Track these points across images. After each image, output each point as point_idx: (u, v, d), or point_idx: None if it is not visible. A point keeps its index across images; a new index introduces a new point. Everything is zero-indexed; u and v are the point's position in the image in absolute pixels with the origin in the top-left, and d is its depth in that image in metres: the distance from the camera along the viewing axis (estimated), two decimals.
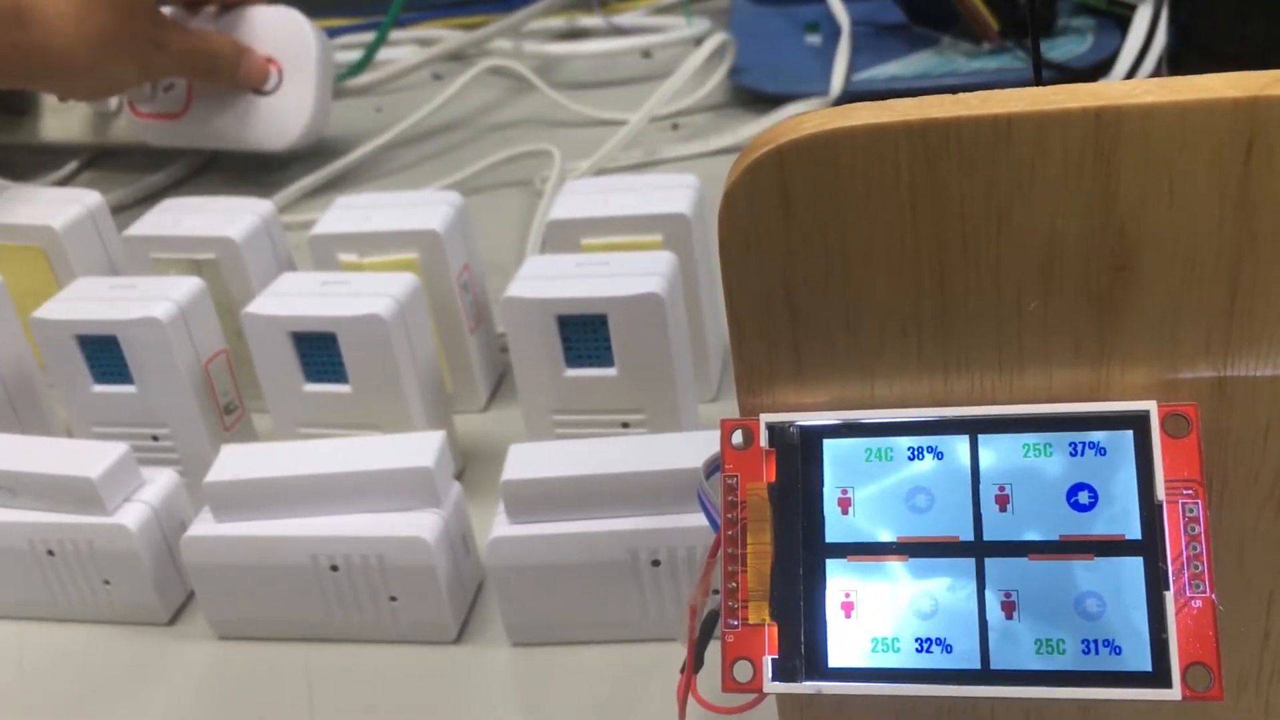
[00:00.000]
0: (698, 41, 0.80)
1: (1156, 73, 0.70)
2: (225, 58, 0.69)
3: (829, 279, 0.25)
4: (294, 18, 0.71)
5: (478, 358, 0.52)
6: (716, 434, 0.27)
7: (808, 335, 0.26)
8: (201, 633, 0.43)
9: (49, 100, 0.79)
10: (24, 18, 0.61)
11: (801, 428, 0.27)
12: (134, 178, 0.76)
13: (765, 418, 0.27)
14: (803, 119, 0.24)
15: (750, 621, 0.26)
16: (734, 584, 0.26)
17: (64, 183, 0.77)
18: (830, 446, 0.26)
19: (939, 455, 0.26)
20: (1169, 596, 0.24)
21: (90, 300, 0.47)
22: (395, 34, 0.87)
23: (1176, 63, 0.66)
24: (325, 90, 0.72)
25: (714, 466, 0.28)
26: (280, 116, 0.71)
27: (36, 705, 0.41)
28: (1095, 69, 0.71)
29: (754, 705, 0.28)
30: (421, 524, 0.40)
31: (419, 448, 0.41)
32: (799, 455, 0.26)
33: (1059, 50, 0.73)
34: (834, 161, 0.24)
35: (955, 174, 0.24)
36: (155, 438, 0.47)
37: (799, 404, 0.27)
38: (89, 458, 0.42)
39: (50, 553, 0.42)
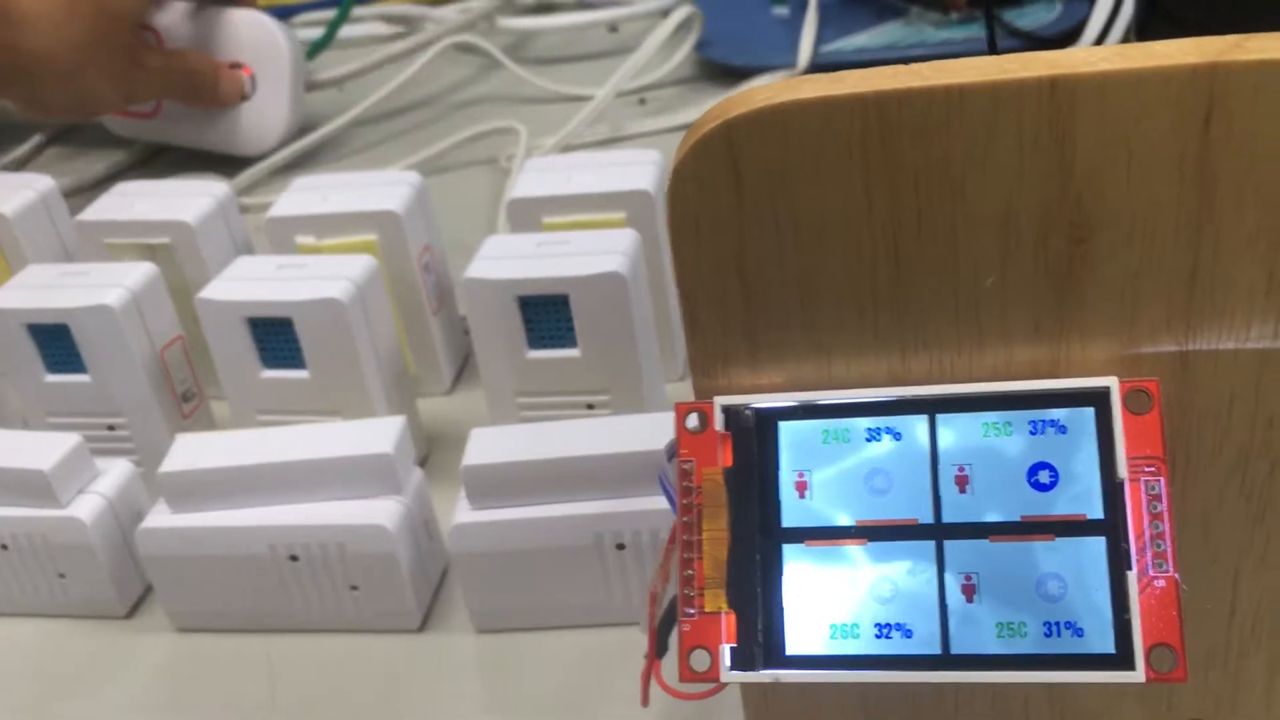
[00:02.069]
0: (664, 14, 0.79)
1: (1125, 41, 0.69)
2: (204, 75, 0.68)
3: (782, 256, 0.25)
4: (263, 22, 0.70)
5: (441, 340, 0.51)
6: None
7: (762, 315, 0.25)
8: (160, 625, 0.42)
9: None
10: (4, 18, 0.60)
11: (757, 410, 0.26)
12: (94, 160, 0.75)
13: (720, 400, 0.26)
14: (753, 92, 0.24)
15: (707, 609, 0.25)
16: (690, 571, 0.25)
17: (21, 164, 0.76)
18: (786, 429, 0.26)
19: (897, 436, 0.25)
20: (1131, 577, 0.23)
21: (41, 288, 0.46)
22: (358, 10, 0.85)
23: (1145, 31, 0.65)
24: (299, 92, 0.71)
25: (675, 449, 0.28)
26: (257, 123, 0.70)
27: None
28: (1064, 37, 0.71)
29: (717, 691, 0.28)
30: (382, 511, 0.39)
31: (379, 433, 0.40)
32: (755, 438, 0.26)
33: (1027, 19, 0.73)
34: (784, 136, 0.23)
35: (908, 146, 0.23)
36: (111, 427, 0.46)
37: (755, 385, 0.26)
38: (41, 449, 0.41)
39: (4, 546, 0.41)
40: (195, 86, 0.68)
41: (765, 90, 0.24)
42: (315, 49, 0.81)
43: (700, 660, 0.25)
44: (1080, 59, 0.22)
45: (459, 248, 0.56)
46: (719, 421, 0.26)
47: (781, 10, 0.80)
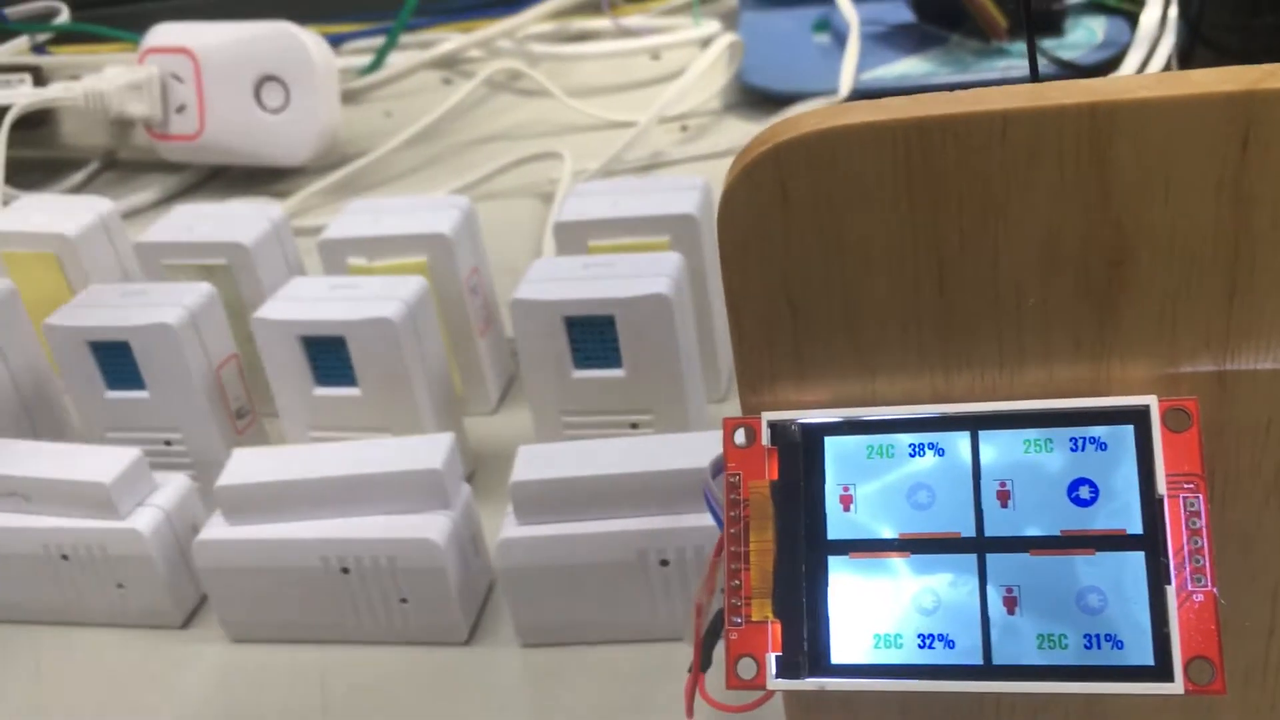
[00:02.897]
0: (706, 43, 0.80)
1: (1166, 70, 0.69)
2: None
3: (828, 278, 0.25)
4: (289, 32, 0.71)
5: (488, 360, 0.52)
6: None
7: (808, 334, 0.26)
8: (215, 635, 0.43)
9: (66, 110, 0.79)
10: None
11: (803, 425, 0.27)
12: (148, 183, 0.76)
13: (767, 416, 0.27)
14: (800, 118, 0.25)
15: (753, 619, 0.26)
16: (737, 582, 0.26)
17: (78, 188, 0.78)
18: (832, 444, 0.27)
19: (940, 452, 0.26)
20: (1170, 591, 0.24)
21: (102, 307, 0.47)
22: (405, 38, 0.87)
23: (1186, 59, 0.65)
24: (332, 99, 0.72)
25: (720, 466, 0.28)
26: (293, 133, 0.72)
27: (51, 710, 0.41)
28: (1104, 66, 0.71)
29: (761, 703, 0.28)
30: (431, 526, 0.40)
31: (428, 450, 0.41)
32: (801, 453, 0.27)
33: (1068, 48, 0.73)
34: (831, 160, 0.24)
35: (952, 171, 0.24)
36: (168, 442, 0.48)
37: (800, 402, 0.27)
38: (102, 463, 0.42)
39: (65, 557, 0.43)
40: None
41: (812, 116, 0.25)
42: (364, 74, 0.82)
43: (747, 668, 0.26)
44: (1120, 86, 0.23)
45: (504, 270, 0.57)
46: (766, 437, 0.27)
47: (823, 38, 0.81)
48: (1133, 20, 0.73)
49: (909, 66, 0.75)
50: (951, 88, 0.24)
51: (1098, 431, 0.25)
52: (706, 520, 0.37)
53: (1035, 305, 0.25)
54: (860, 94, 0.73)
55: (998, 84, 0.24)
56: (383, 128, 0.79)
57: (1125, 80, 0.23)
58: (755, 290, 0.26)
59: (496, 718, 0.39)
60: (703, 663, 0.30)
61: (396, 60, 0.86)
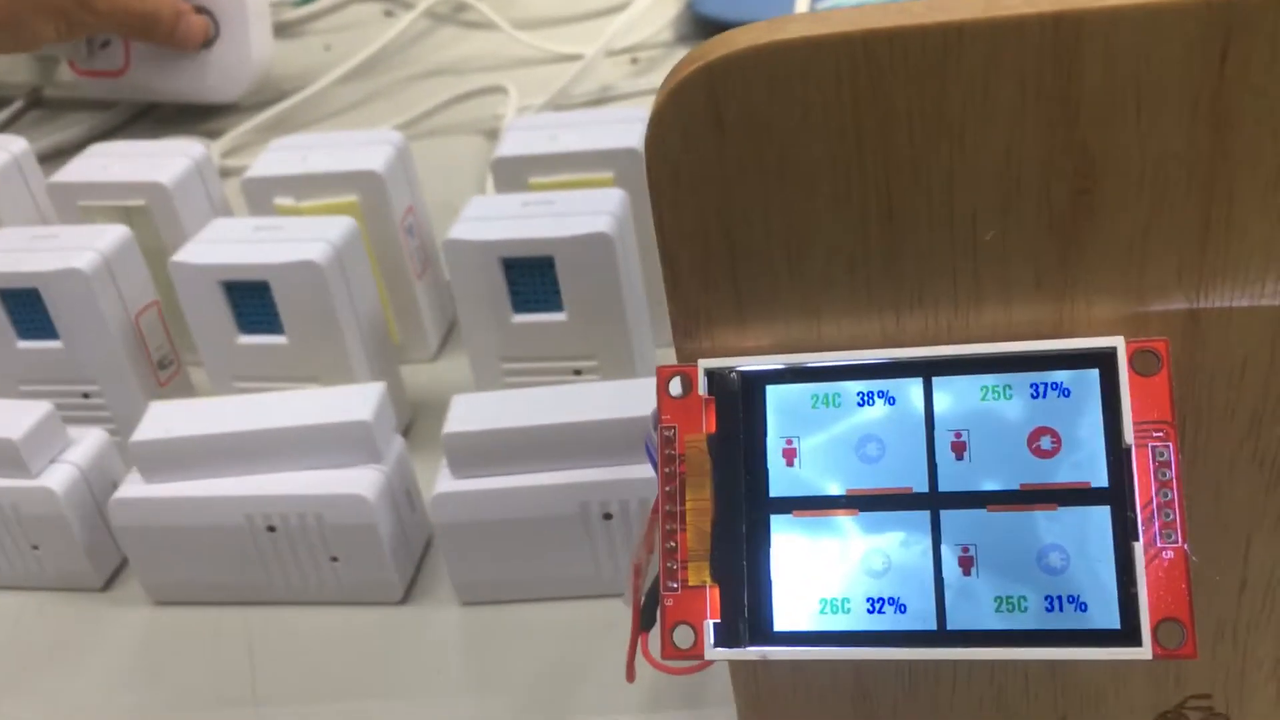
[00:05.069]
0: None
1: None
2: (162, 19, 0.66)
3: (768, 210, 0.23)
4: None
5: (426, 304, 0.50)
6: None
7: (747, 272, 0.24)
8: (137, 598, 0.41)
9: None
10: None
11: (743, 373, 0.25)
12: (73, 122, 0.73)
13: (704, 363, 0.24)
14: (735, 34, 0.22)
15: (690, 583, 0.24)
16: (673, 543, 0.24)
17: (2, 128, 0.74)
18: (774, 393, 0.24)
19: (890, 400, 0.24)
20: (1138, 548, 0.22)
21: (11, 252, 0.44)
22: None
23: None
24: (265, 32, 0.69)
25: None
26: (223, 68, 0.69)
27: None
28: None
29: (705, 666, 0.26)
30: (361, 480, 0.38)
31: (357, 400, 0.39)
32: (740, 403, 0.24)
33: None
34: (768, 79, 0.22)
35: (902, 90, 0.21)
36: (86, 395, 0.45)
37: (740, 348, 0.25)
38: (11, 418, 0.40)
39: None
40: (151, 26, 0.67)
41: (747, 31, 0.22)
42: (299, 5, 0.79)
43: (684, 637, 0.24)
44: None
45: (448, 210, 0.54)
46: (703, 385, 0.24)
47: None
48: None
49: None
50: None
51: (1060, 376, 0.23)
52: (651, 471, 0.35)
53: (993, 238, 0.23)
54: None
55: None
56: (320, 62, 0.76)
57: None
58: (689, 224, 0.24)
59: (434, 679, 0.37)
60: (643, 624, 0.28)
61: None
